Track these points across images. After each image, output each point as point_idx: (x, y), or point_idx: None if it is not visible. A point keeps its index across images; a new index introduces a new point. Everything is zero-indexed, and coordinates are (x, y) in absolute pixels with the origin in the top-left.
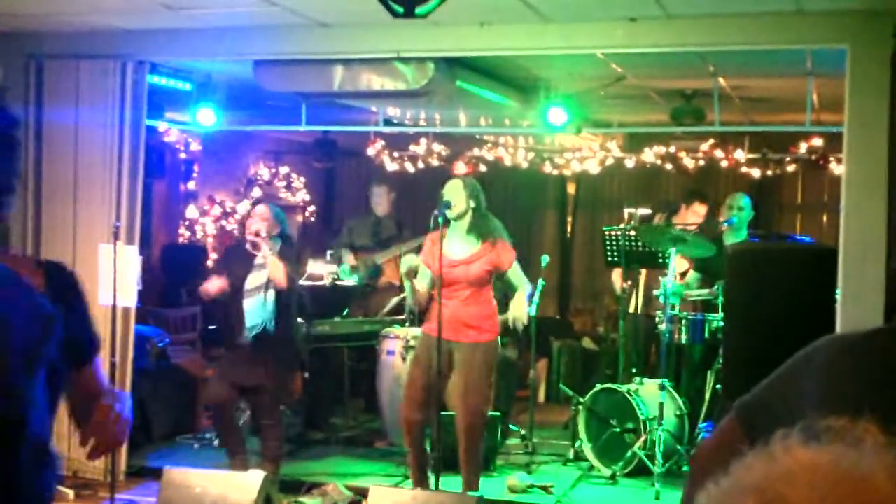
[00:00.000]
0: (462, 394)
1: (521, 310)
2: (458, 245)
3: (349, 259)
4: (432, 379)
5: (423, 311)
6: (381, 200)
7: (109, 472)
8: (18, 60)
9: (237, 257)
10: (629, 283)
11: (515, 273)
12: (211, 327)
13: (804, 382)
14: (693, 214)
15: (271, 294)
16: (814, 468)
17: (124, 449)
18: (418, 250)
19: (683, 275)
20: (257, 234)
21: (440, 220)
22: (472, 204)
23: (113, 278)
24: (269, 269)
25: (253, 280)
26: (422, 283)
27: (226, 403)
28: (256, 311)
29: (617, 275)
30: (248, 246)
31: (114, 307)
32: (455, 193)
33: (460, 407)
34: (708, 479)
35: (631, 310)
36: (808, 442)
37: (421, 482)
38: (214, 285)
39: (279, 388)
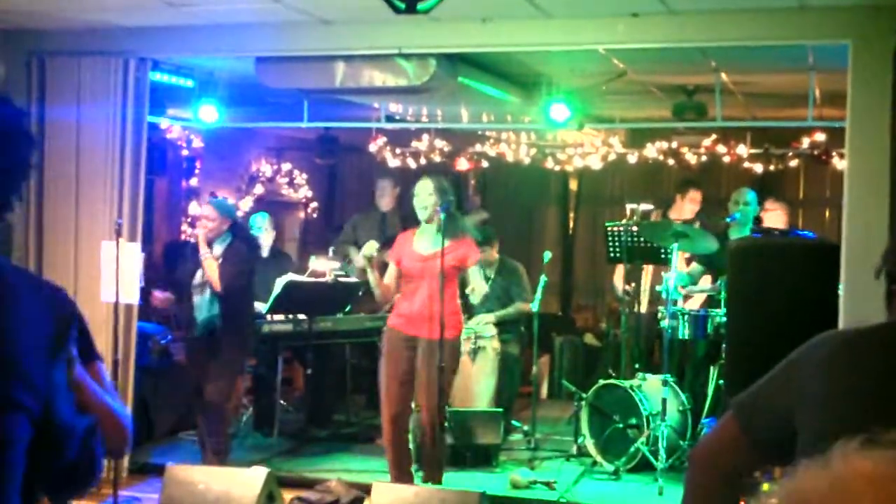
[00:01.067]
0: (423, 390)
1: (477, 283)
2: (426, 243)
3: (355, 257)
4: (405, 375)
5: (389, 304)
6: (385, 195)
7: (112, 468)
8: (20, 57)
9: (188, 253)
10: (632, 284)
11: (475, 271)
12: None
13: (805, 379)
14: (690, 203)
15: (209, 291)
16: (872, 479)
17: None
18: None
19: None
20: (198, 236)
21: (442, 216)
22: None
23: (115, 275)
24: (205, 270)
25: (199, 276)
26: (389, 278)
27: (197, 396)
28: (203, 307)
29: (619, 277)
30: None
31: (116, 304)
32: (424, 194)
33: (422, 402)
34: (707, 478)
35: (635, 309)
36: (866, 451)
37: (401, 480)
38: (160, 298)
39: (218, 386)
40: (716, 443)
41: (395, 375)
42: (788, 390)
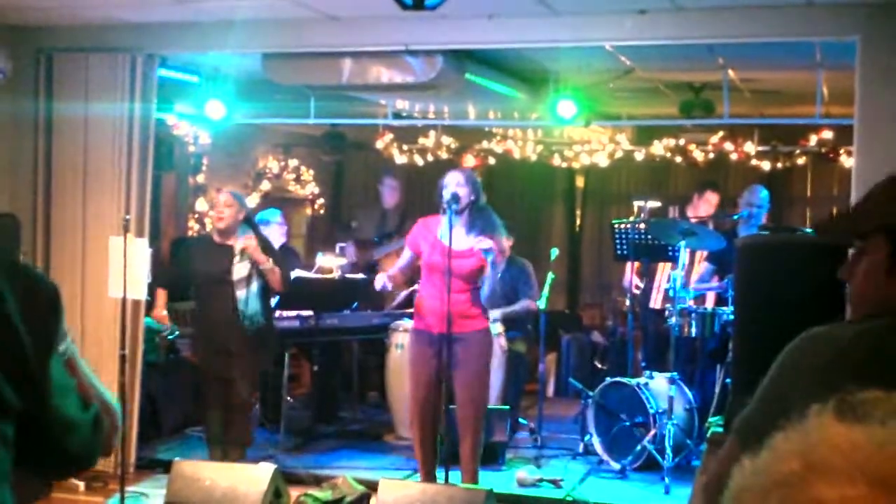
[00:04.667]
0: (465, 385)
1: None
2: (456, 238)
3: (351, 254)
4: (433, 375)
5: (398, 289)
6: (393, 193)
7: (119, 464)
8: (28, 54)
9: (199, 249)
10: (644, 279)
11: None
12: None
13: (799, 391)
14: (706, 204)
15: (256, 285)
16: (849, 444)
17: (134, 441)
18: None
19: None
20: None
21: (449, 213)
22: (472, 197)
23: (123, 271)
24: (268, 273)
25: (240, 270)
26: (401, 264)
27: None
28: (251, 301)
29: (634, 271)
30: (216, 237)
31: (123, 300)
32: (454, 185)
33: (464, 399)
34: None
35: (649, 305)
36: (841, 417)
37: (431, 478)
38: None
39: (250, 382)
40: (723, 469)
41: (426, 377)
42: (784, 406)
